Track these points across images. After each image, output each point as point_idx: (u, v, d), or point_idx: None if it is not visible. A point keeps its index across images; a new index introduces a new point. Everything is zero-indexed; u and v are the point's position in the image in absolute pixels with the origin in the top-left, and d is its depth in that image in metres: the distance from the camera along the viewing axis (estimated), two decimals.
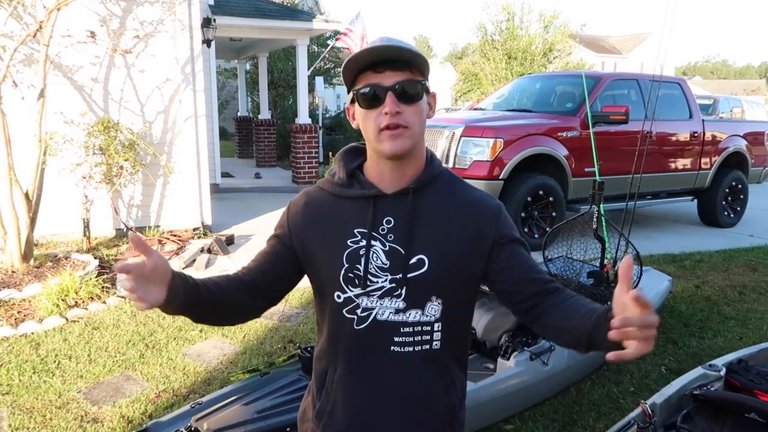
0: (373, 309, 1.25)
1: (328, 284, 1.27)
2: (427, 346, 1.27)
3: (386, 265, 1.25)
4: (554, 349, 3.17)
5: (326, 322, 1.32)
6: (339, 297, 1.26)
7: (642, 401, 2.55)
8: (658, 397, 2.62)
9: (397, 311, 1.25)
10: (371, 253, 1.25)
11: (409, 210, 1.26)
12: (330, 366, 1.32)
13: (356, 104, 1.25)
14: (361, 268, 1.24)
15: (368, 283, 1.25)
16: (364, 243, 1.25)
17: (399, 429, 1.29)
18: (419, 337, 1.27)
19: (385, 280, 1.25)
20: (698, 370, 2.87)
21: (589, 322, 1.14)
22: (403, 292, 1.24)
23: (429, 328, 1.27)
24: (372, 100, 1.21)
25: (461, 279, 1.29)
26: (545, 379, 3.14)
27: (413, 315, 1.26)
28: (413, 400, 1.29)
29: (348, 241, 1.26)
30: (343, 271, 1.25)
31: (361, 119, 1.25)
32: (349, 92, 1.27)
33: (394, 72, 1.21)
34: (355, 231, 1.26)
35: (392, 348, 1.26)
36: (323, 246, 1.28)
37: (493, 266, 1.30)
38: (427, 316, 1.26)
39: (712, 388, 2.74)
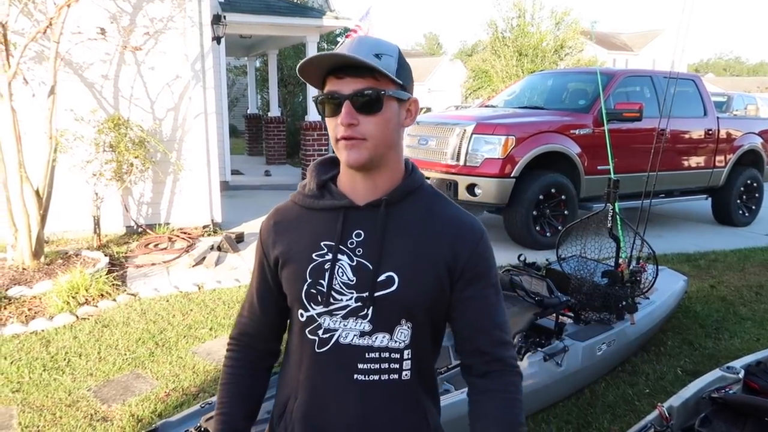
0: (336, 330, 1.15)
1: (293, 301, 1.20)
2: (396, 376, 1.16)
3: (352, 281, 1.14)
4: (568, 349, 3.12)
5: (291, 343, 1.25)
6: (302, 315, 1.18)
7: (659, 404, 2.50)
8: (675, 400, 2.57)
9: (362, 334, 1.14)
10: (336, 267, 1.14)
11: (380, 223, 1.16)
12: (291, 393, 1.22)
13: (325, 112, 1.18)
14: (324, 284, 1.14)
15: (331, 300, 1.14)
16: (330, 257, 1.15)
17: None
18: (386, 365, 1.15)
19: (350, 298, 1.14)
20: (716, 373, 2.81)
21: None
22: (369, 312, 1.13)
23: (398, 355, 1.16)
24: (330, 109, 1.13)
25: (432, 301, 1.17)
26: (559, 381, 3.09)
27: (380, 339, 1.15)
28: None
29: (313, 255, 1.16)
30: (305, 287, 1.16)
31: (329, 129, 1.17)
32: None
33: (354, 79, 1.10)
34: (322, 244, 1.17)
35: (355, 376, 1.15)
36: (289, 260, 1.20)
37: (453, 297, 1.19)
38: (395, 341, 1.15)
39: (731, 391, 2.68)
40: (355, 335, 1.15)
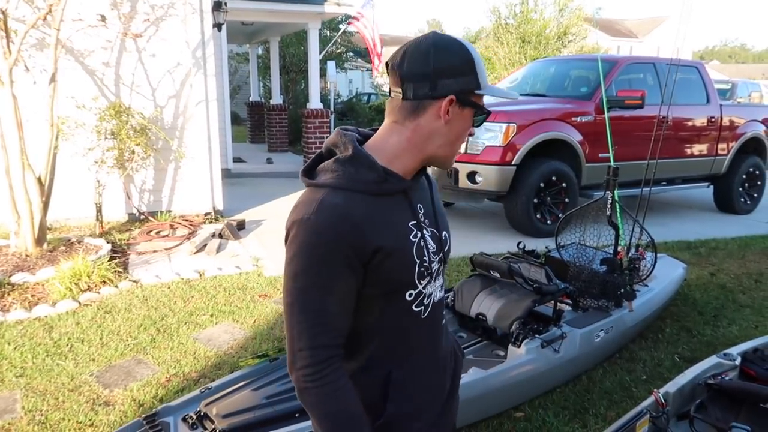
0: (432, 293, 1.30)
1: (400, 286, 1.22)
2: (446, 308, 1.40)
3: (434, 249, 1.28)
4: (566, 336, 3.14)
5: (383, 328, 1.25)
6: (410, 295, 1.24)
7: (655, 390, 2.52)
8: (672, 386, 2.59)
9: (441, 287, 1.34)
10: (427, 241, 1.26)
11: (428, 194, 1.33)
12: (391, 367, 1.26)
13: (465, 113, 1.21)
14: (427, 260, 1.25)
15: (431, 270, 1.27)
16: (420, 234, 1.24)
17: (454, 387, 1.43)
18: (444, 308, 1.40)
19: (436, 262, 1.28)
20: (712, 359, 2.83)
21: None
22: (442, 269, 1.33)
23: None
24: (474, 117, 1.23)
25: None
26: (556, 367, 3.11)
27: (443, 286, 1.36)
28: (455, 356, 1.45)
29: (410, 237, 1.22)
30: (416, 269, 1.22)
31: (455, 129, 1.21)
32: (460, 92, 1.18)
33: None
34: (410, 224, 1.23)
35: (443, 321, 1.37)
36: (394, 249, 1.18)
37: None
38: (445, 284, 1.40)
39: (727, 378, 2.70)
40: (439, 290, 1.33)
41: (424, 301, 1.27)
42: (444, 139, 1.21)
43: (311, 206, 1.14)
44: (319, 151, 1.28)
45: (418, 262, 1.22)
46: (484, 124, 6.05)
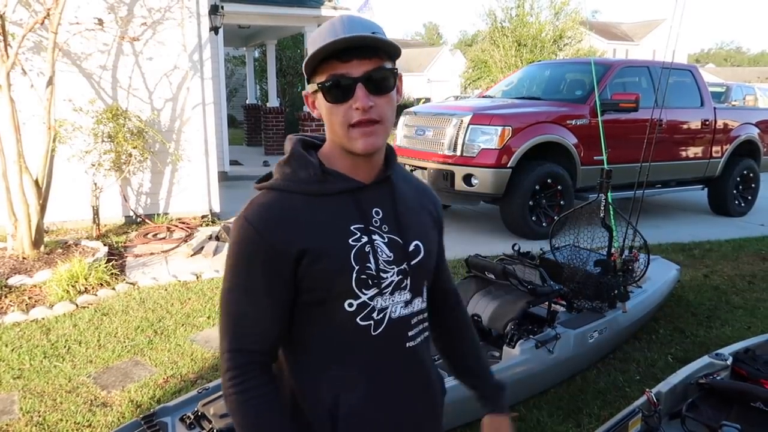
0: (387, 308, 1.17)
1: (339, 293, 1.12)
2: (426, 333, 1.27)
3: (391, 257, 1.16)
4: (560, 337, 3.17)
5: (324, 341, 1.15)
6: (351, 305, 1.13)
7: (647, 389, 2.55)
8: (664, 386, 2.62)
9: (406, 304, 1.20)
10: (376, 247, 1.15)
11: (392, 198, 1.20)
12: (339, 391, 1.15)
13: (319, 96, 1.12)
14: (373, 266, 1.14)
15: (381, 280, 1.15)
16: (366, 239, 1.14)
17: (429, 421, 1.28)
18: (422, 325, 1.25)
19: (393, 273, 1.17)
20: (704, 359, 2.86)
21: (480, 379, 1.44)
22: (408, 281, 1.19)
23: (427, 314, 1.27)
24: (339, 94, 1.08)
25: (436, 261, 1.33)
26: (551, 367, 3.14)
27: (417, 304, 1.22)
28: (430, 388, 1.28)
29: (350, 241, 1.13)
30: (354, 275, 1.12)
31: (326, 113, 1.12)
32: (308, 82, 1.14)
33: (361, 61, 1.07)
34: (352, 228, 1.13)
35: (407, 344, 1.21)
36: (323, 252, 1.10)
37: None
38: (424, 302, 1.25)
39: (718, 377, 2.74)
40: (401, 307, 1.19)
41: (374, 315, 1.15)
42: (327, 129, 1.16)
43: (245, 208, 1.14)
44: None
45: (356, 268, 1.12)
46: (480, 127, 6.13)
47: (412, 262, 1.20)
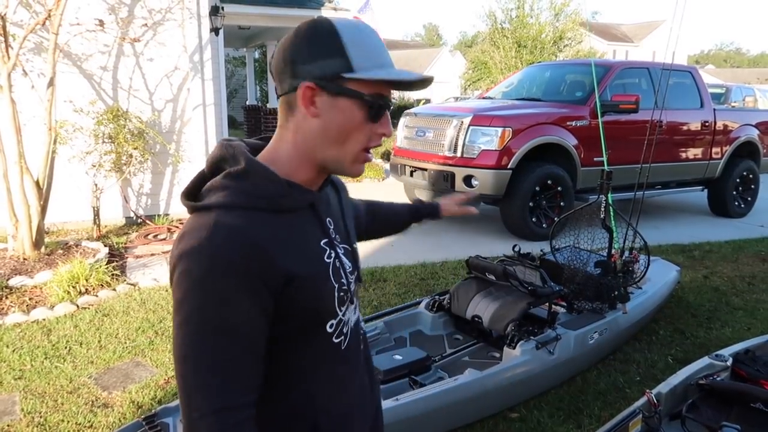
0: (349, 319, 1.10)
1: (320, 318, 1.03)
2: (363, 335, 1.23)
3: (350, 267, 1.10)
4: (560, 338, 3.18)
5: (303, 370, 1.04)
6: (332, 326, 1.05)
7: (647, 390, 2.56)
8: (664, 387, 2.63)
9: (354, 310, 1.13)
10: (342, 261, 1.08)
11: (336, 205, 1.15)
12: (320, 415, 1.06)
13: (340, 101, 0.99)
14: (345, 281, 1.06)
15: (350, 293, 1.08)
16: (333, 254, 1.05)
17: (379, 412, 1.27)
18: (362, 330, 1.19)
19: (353, 282, 1.11)
20: (704, 360, 2.87)
21: (409, 208, 1.66)
22: (352, 289, 1.12)
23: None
24: (376, 115, 1.00)
25: None
26: (551, 368, 3.15)
27: (357, 310, 1.16)
28: (376, 392, 1.24)
29: (324, 258, 1.03)
30: (336, 294, 1.04)
31: (343, 125, 0.99)
32: (325, 77, 0.98)
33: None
34: (322, 244, 1.04)
35: (361, 347, 1.18)
36: (307, 274, 0.99)
37: (365, 229, 1.51)
38: (359, 307, 1.21)
39: (718, 378, 2.74)
40: (352, 314, 1.12)
41: (344, 329, 1.08)
42: (323, 137, 1.00)
43: (202, 232, 0.91)
44: (201, 170, 1.07)
45: (336, 286, 1.03)
46: (480, 128, 6.14)
47: (359, 266, 1.16)
